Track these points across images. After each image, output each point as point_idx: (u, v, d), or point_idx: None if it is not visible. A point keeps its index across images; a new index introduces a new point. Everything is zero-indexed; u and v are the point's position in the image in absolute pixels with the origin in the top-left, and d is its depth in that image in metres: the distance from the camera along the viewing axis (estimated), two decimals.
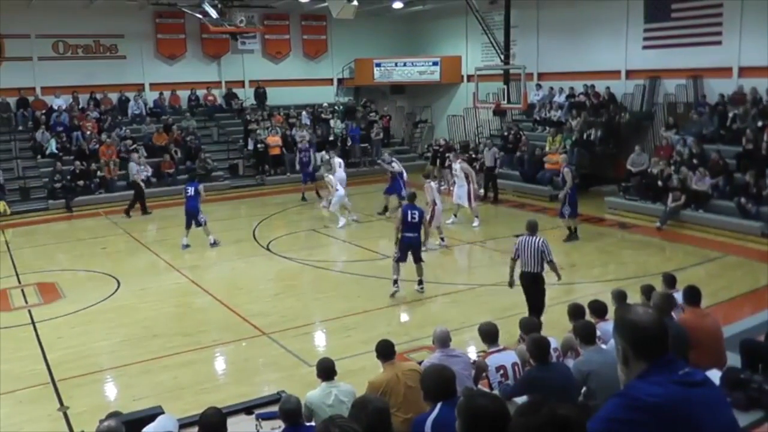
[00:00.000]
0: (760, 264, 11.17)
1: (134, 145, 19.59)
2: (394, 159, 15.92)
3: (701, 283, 6.39)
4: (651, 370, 2.20)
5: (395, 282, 10.00)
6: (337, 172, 16.23)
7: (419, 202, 11.70)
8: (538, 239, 8.10)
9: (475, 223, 14.43)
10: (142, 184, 17.09)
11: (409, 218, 9.91)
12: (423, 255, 10.28)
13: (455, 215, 14.68)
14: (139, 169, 17.23)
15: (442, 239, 12.90)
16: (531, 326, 5.87)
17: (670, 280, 7.27)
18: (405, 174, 15.45)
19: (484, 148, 18.30)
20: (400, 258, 10.00)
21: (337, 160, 16.66)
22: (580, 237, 13.09)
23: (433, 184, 13.22)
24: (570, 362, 5.52)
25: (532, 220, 8.56)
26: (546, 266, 8.13)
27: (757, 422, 4.56)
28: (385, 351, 5.36)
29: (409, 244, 9.98)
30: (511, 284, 8.50)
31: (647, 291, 6.68)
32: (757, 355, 5.28)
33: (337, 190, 14.43)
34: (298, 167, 18.42)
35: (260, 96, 23.31)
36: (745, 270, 11.12)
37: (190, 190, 13.08)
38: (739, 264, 11.55)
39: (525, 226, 8.39)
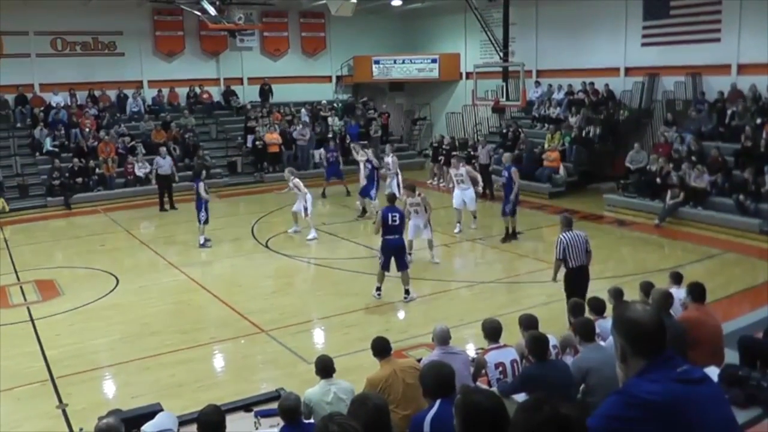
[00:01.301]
0: (758, 261, 11.19)
1: (132, 142, 19.59)
2: (366, 151, 15.82)
3: (700, 280, 6.38)
4: (649, 368, 2.20)
5: (378, 289, 9.82)
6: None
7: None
8: (580, 232, 8.29)
9: (473, 225, 14.34)
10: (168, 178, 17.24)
11: (390, 221, 9.51)
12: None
13: (459, 221, 13.95)
14: (164, 163, 17.30)
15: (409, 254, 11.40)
16: (531, 323, 5.86)
17: (676, 278, 7.29)
18: (393, 166, 15.41)
19: (479, 146, 18.29)
20: (384, 264, 9.67)
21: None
22: (519, 238, 13.01)
23: (415, 199, 11.64)
24: (568, 359, 5.53)
25: (567, 215, 8.73)
26: None
27: (755, 419, 4.56)
28: (381, 348, 5.37)
29: (392, 247, 9.60)
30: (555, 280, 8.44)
31: (646, 288, 6.68)
32: (755, 352, 5.29)
33: (306, 193, 13.54)
34: (325, 164, 18.43)
35: (265, 93, 23.23)
36: (743, 267, 11.13)
37: (195, 188, 13.10)
38: (737, 261, 11.55)
39: (563, 223, 8.35)
